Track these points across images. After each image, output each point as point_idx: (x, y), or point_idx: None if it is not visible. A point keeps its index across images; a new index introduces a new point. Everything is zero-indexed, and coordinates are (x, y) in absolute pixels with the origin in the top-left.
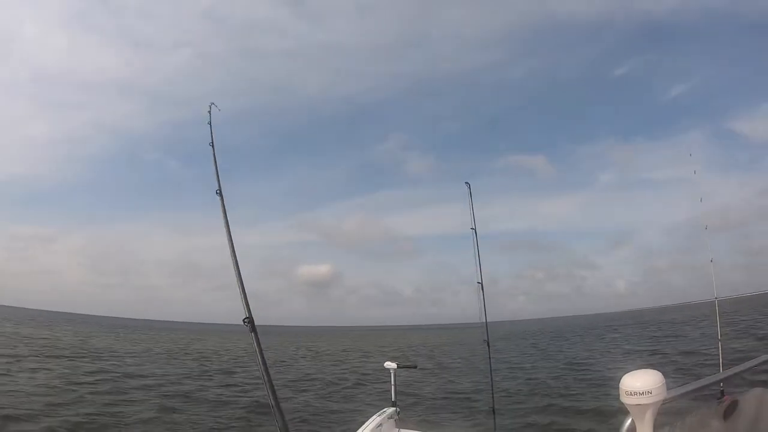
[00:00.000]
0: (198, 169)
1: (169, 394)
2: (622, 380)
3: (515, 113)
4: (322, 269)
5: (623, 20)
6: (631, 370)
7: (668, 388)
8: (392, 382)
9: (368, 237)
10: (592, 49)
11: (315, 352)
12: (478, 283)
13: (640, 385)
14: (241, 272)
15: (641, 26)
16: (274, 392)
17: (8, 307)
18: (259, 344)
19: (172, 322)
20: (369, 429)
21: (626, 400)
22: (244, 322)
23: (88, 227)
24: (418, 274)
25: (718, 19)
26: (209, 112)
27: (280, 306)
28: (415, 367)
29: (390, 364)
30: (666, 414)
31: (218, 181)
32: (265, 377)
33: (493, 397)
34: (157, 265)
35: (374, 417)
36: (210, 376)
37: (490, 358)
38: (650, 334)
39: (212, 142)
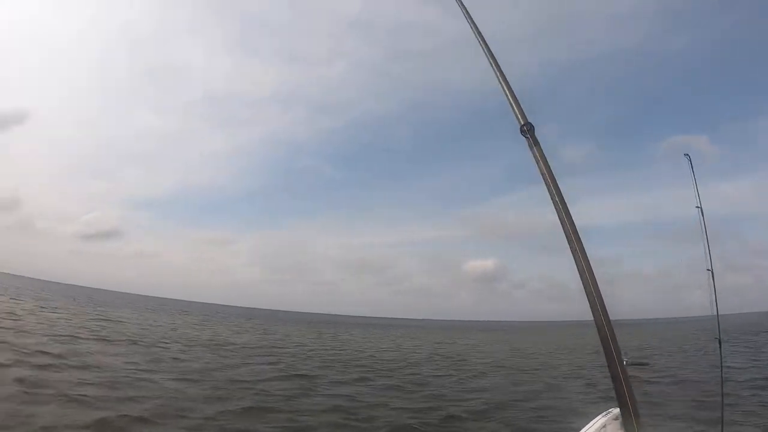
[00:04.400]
0: (351, 172)
1: None
2: None
3: (674, 91)
4: (487, 264)
5: None
6: None
7: None
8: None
9: (534, 230)
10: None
11: (514, 348)
12: (708, 270)
13: None
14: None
15: None
16: None
17: (196, 303)
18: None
19: (348, 316)
20: (593, 429)
21: None
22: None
23: (260, 230)
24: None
25: None
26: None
27: (449, 300)
28: (647, 364)
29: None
30: None
31: (519, 115)
32: None
33: (722, 406)
34: (327, 262)
35: (598, 417)
36: None
37: (721, 359)
38: None
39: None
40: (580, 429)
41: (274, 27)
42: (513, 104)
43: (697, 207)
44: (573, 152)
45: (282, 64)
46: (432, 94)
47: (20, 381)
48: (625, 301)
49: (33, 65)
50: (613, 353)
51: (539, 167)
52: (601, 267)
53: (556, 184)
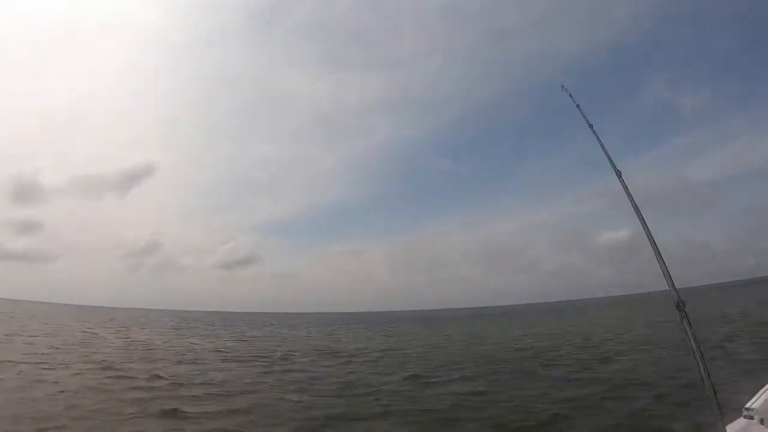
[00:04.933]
0: (466, 165)
1: None
2: None
3: None
4: (621, 234)
5: None
6: None
7: None
8: None
9: (664, 191)
10: None
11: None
12: None
13: None
14: (663, 257)
15: None
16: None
17: (342, 313)
18: (692, 332)
19: (485, 307)
20: (760, 401)
21: None
22: (678, 308)
23: (389, 235)
24: (725, 224)
25: None
26: (568, 94)
27: (588, 278)
28: None
29: None
30: None
31: (611, 162)
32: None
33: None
34: (461, 257)
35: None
36: None
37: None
38: None
39: (590, 124)
40: (749, 401)
41: (364, 36)
42: (607, 154)
43: None
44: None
45: (379, 70)
46: (539, 67)
47: None
48: None
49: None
50: None
51: (630, 201)
52: None
53: (643, 219)
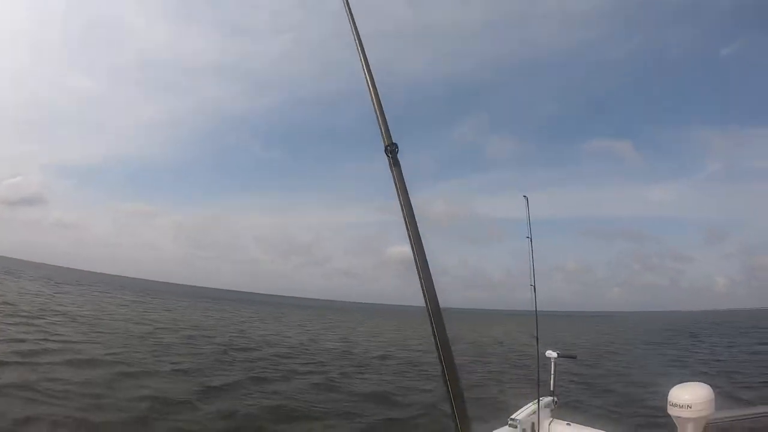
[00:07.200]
0: (280, 153)
1: None
2: (670, 391)
3: (612, 96)
4: (407, 249)
5: None
6: (684, 381)
7: (724, 408)
8: (552, 372)
9: (457, 219)
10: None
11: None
12: (531, 285)
13: (685, 397)
14: (425, 253)
15: None
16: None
17: (119, 276)
18: (440, 332)
19: (272, 296)
20: (523, 415)
21: (670, 411)
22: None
23: (188, 204)
24: (508, 257)
25: None
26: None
27: (376, 283)
28: (575, 357)
29: (551, 353)
30: None
31: (385, 135)
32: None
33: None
34: (255, 241)
35: (529, 404)
36: None
37: (538, 347)
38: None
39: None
40: (514, 413)
41: None
42: (381, 123)
43: (527, 237)
44: (510, 145)
45: (225, 34)
46: (381, 77)
47: None
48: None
49: None
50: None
51: (396, 185)
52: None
53: (409, 204)
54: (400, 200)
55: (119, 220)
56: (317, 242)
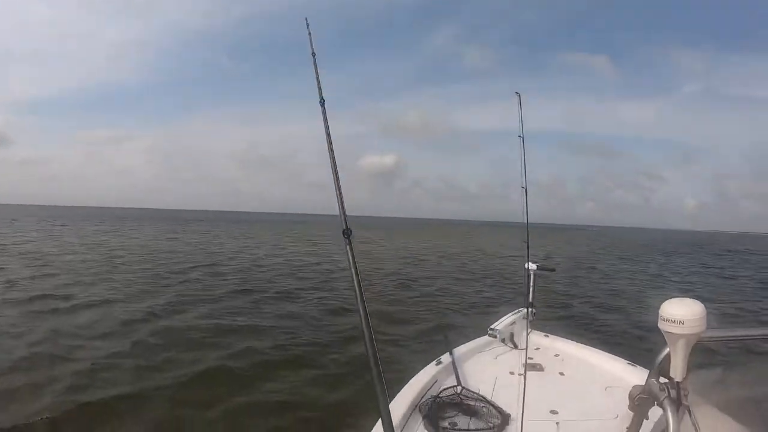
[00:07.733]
0: (251, 65)
1: None
2: (662, 305)
3: (592, 6)
4: (386, 160)
5: None
6: (676, 297)
7: (717, 327)
8: (530, 284)
9: (433, 130)
10: None
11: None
12: (522, 187)
13: (678, 313)
14: (340, 184)
15: None
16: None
17: (96, 207)
18: (353, 258)
19: (248, 213)
20: (502, 325)
21: (661, 325)
22: (344, 235)
23: (161, 125)
24: (483, 169)
25: None
26: (307, 25)
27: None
28: (554, 270)
29: (531, 266)
30: (711, 354)
31: (320, 90)
32: (359, 295)
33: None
34: (227, 159)
35: (509, 315)
36: None
37: (528, 257)
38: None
39: (313, 53)
40: (494, 323)
41: None
42: (318, 80)
43: (519, 136)
44: (485, 56)
45: None
46: None
47: None
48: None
49: None
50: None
51: (326, 133)
52: None
53: (332, 151)
54: (329, 147)
55: (89, 149)
56: (287, 156)
